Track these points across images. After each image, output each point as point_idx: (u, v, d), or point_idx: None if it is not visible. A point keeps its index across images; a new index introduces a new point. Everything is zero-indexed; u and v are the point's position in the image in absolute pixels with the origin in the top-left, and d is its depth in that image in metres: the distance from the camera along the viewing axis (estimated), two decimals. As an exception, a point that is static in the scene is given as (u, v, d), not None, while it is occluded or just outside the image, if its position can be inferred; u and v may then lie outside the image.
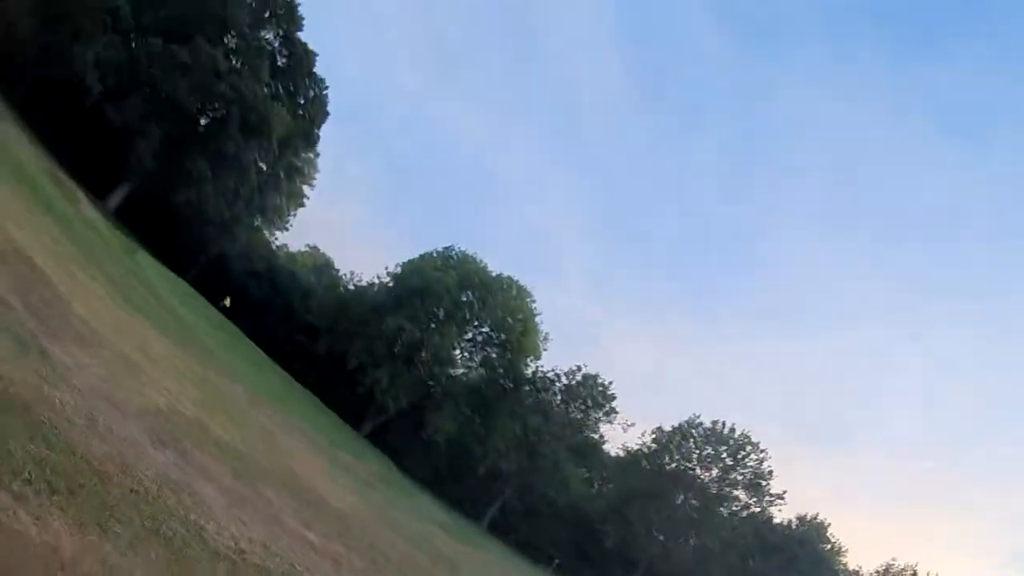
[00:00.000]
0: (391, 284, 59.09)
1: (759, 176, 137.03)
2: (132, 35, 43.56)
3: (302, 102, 56.07)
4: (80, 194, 31.53)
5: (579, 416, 58.12)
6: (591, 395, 58.19)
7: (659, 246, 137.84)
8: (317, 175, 66.43)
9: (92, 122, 42.85)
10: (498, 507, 54.69)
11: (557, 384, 58.50)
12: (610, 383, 58.34)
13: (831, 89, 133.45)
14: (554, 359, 75.64)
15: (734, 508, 57.48)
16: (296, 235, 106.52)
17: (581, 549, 50.83)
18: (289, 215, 67.69)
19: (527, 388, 57.84)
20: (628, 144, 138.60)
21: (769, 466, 56.78)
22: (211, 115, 47.08)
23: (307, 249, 79.06)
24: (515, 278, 60.11)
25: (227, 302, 41.21)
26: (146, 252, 39.24)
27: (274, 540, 10.93)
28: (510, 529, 51.41)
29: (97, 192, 39.45)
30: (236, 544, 9.25)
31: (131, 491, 8.14)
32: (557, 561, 46.17)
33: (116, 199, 44.80)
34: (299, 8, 51.69)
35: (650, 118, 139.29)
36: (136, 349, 15.95)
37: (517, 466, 54.01)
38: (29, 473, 6.60)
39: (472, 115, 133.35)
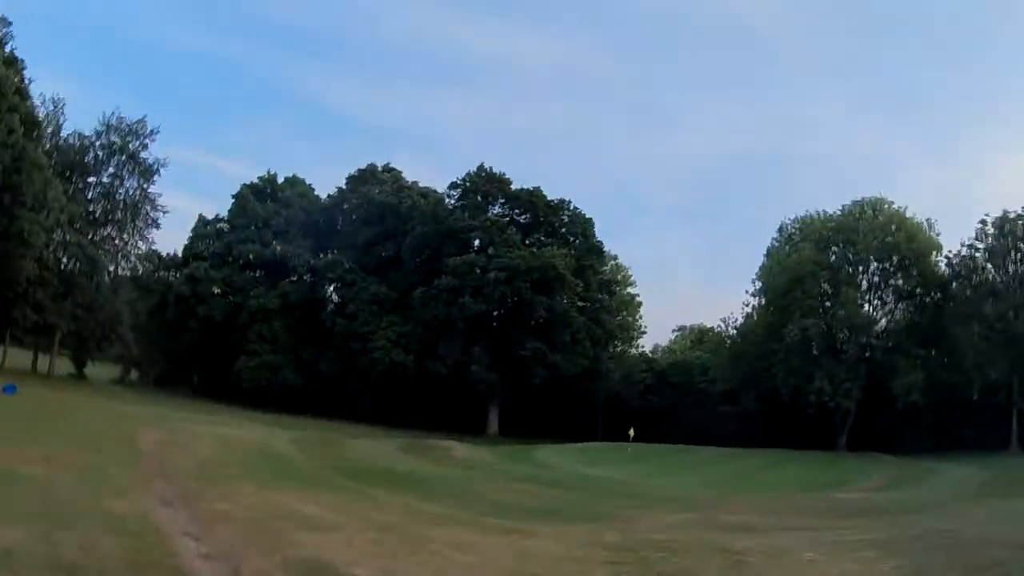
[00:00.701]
0: (766, 298, 54.50)
1: None
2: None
3: (563, 231, 57.22)
4: (452, 444, 33.54)
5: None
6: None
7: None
8: (630, 271, 66.37)
9: (416, 381, 49.60)
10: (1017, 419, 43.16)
11: (977, 254, 46.92)
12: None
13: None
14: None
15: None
16: (661, 328, 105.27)
17: None
18: (635, 319, 67.08)
19: (954, 285, 48.12)
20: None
21: None
22: (502, 301, 50.50)
23: (677, 332, 76.88)
24: (853, 199, 52.84)
25: (631, 432, 40.16)
26: (544, 444, 40.04)
27: None
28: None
29: (474, 431, 42.84)
30: None
31: None
32: None
33: (492, 426, 48.72)
34: (499, 173, 55.15)
35: None
36: None
37: (1008, 367, 42.89)
38: None
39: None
